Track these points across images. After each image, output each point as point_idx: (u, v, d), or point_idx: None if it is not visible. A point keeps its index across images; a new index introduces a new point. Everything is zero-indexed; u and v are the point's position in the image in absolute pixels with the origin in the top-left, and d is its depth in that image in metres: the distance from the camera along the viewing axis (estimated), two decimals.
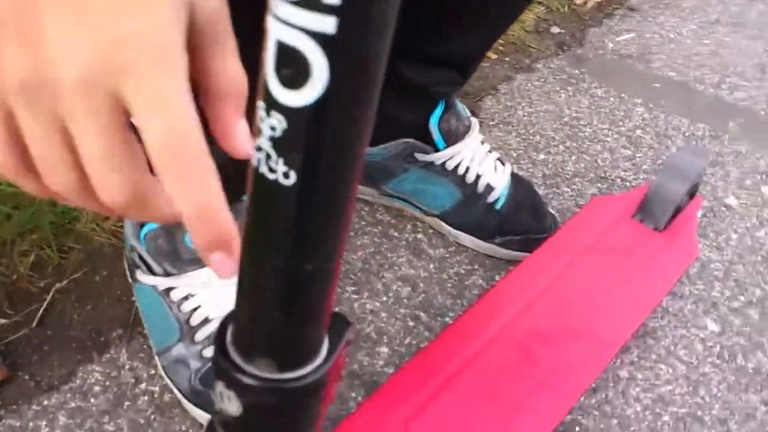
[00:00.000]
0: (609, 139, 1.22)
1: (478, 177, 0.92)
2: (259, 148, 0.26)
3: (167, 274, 0.69)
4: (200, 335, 0.68)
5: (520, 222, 0.93)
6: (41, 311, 0.80)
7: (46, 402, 0.72)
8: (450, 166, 0.91)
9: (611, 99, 1.33)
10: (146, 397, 0.73)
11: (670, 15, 1.66)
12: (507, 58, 1.42)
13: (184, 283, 0.68)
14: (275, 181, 0.26)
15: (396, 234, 0.97)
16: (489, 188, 0.92)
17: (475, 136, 0.92)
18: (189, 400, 0.68)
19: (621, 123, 1.26)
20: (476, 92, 1.29)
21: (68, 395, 0.72)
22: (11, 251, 0.85)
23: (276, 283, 0.29)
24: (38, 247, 0.86)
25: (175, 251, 0.68)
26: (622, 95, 1.34)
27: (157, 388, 0.74)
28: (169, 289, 0.69)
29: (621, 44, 1.52)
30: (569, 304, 0.79)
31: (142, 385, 0.74)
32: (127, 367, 0.75)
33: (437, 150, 0.90)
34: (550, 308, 0.78)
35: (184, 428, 0.71)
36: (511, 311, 0.77)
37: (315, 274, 0.29)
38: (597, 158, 1.16)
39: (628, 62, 1.46)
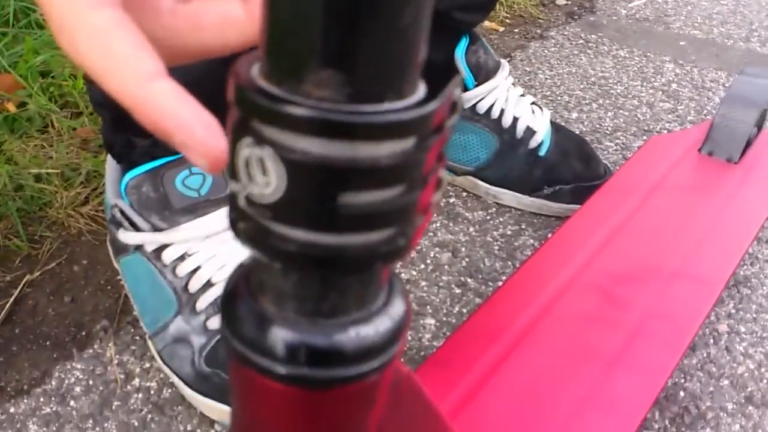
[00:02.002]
0: (644, 94, 1.09)
1: (515, 120, 0.79)
2: None
3: (156, 230, 0.55)
4: (202, 303, 0.54)
5: (569, 169, 0.79)
6: (7, 308, 0.65)
7: (12, 409, 0.56)
8: (482, 108, 0.78)
9: (636, 58, 1.21)
10: (140, 395, 0.58)
11: None
12: (516, 30, 1.31)
13: (177, 238, 0.54)
14: None
15: None
16: (529, 132, 0.79)
17: (506, 75, 0.80)
18: (193, 388, 0.53)
19: (653, 79, 1.14)
20: None
21: (41, 399, 0.57)
22: None
23: None
24: (4, 237, 0.72)
25: (164, 199, 0.54)
26: (648, 54, 1.23)
27: (153, 384, 0.59)
28: (159, 250, 0.55)
29: (634, 9, 1.42)
30: (652, 243, 0.65)
31: (135, 382, 0.59)
32: (115, 362, 0.60)
33: (466, 89, 0.77)
34: (629, 250, 0.64)
35: (189, 428, 0.55)
36: (582, 256, 0.63)
37: None
38: (636, 113, 1.04)
39: (645, 25, 1.35)
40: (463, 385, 0.51)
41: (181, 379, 0.54)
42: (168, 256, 0.55)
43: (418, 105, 0.18)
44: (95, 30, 0.21)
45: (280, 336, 0.20)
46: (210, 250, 0.54)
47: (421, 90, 0.19)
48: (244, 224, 0.19)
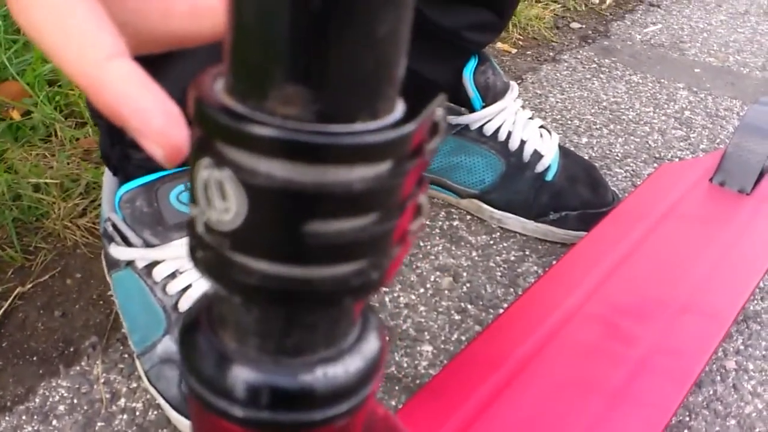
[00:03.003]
0: (656, 121, 1.08)
1: (522, 143, 0.77)
2: None
3: (148, 245, 0.53)
4: None
5: (576, 195, 0.77)
6: None
7: None
8: (489, 130, 0.76)
9: (650, 84, 1.19)
10: (125, 416, 0.56)
11: (695, 8, 1.55)
12: (528, 52, 1.30)
13: (169, 255, 0.52)
14: None
15: (428, 222, 0.81)
16: (537, 155, 0.77)
17: (515, 97, 0.78)
18: (179, 411, 0.51)
19: (666, 106, 1.12)
20: None
21: (23, 418, 0.55)
22: None
23: None
24: None
25: (158, 214, 0.53)
26: (662, 80, 1.21)
27: (139, 405, 0.57)
28: (151, 266, 0.53)
29: (649, 35, 1.40)
30: (659, 275, 0.63)
31: (121, 402, 0.57)
32: (101, 380, 0.59)
33: (473, 110, 0.75)
34: (635, 280, 0.62)
35: None
36: (587, 285, 0.61)
37: None
38: (647, 139, 1.02)
39: (660, 51, 1.33)
40: (458, 417, 0.49)
41: (167, 401, 0.53)
42: (159, 273, 0.53)
43: (394, 126, 0.16)
44: (53, 2, 0.19)
45: (239, 375, 0.19)
46: None
47: (399, 109, 0.17)
48: (202, 252, 0.18)
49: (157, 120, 0.19)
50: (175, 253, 0.52)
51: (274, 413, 0.19)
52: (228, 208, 0.16)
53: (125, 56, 0.20)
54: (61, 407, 0.56)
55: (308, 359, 0.19)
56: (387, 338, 0.21)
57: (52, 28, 0.20)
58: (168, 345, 0.53)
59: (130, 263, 0.55)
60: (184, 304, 0.52)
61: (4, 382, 0.59)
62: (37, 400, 0.57)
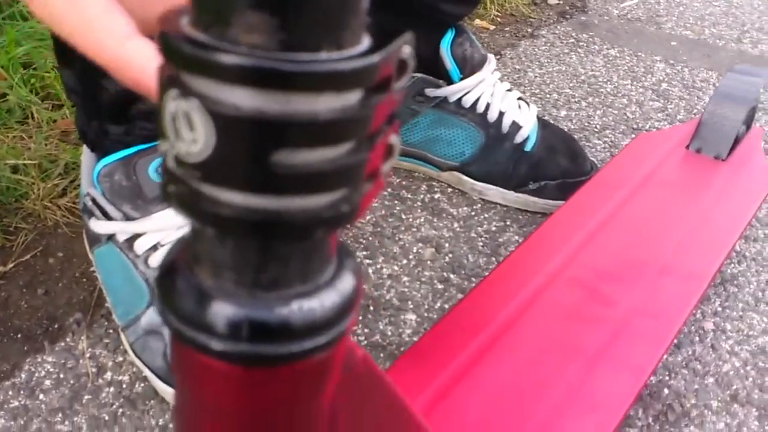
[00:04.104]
0: (634, 93, 1.09)
1: (501, 114, 0.78)
2: None
3: (128, 219, 0.53)
4: None
5: (555, 165, 0.78)
6: None
7: None
8: (467, 102, 0.77)
9: (627, 58, 1.20)
10: (111, 389, 0.56)
11: None
12: (507, 28, 1.30)
13: (149, 228, 0.52)
14: None
15: (409, 195, 0.82)
16: (515, 126, 0.78)
17: (493, 69, 0.79)
18: (165, 381, 0.52)
19: (643, 78, 1.13)
20: None
21: (9, 393, 0.56)
22: None
23: None
24: None
25: (137, 188, 0.53)
26: (639, 54, 1.22)
27: (126, 378, 0.57)
28: (132, 240, 0.54)
29: (626, 10, 1.41)
30: (637, 239, 0.64)
31: (107, 375, 0.57)
32: (87, 355, 0.59)
33: (451, 82, 0.76)
34: (614, 245, 0.63)
35: (162, 422, 0.54)
36: (567, 250, 0.62)
37: None
38: (625, 111, 1.03)
39: (637, 25, 1.34)
40: (440, 380, 0.50)
41: (153, 371, 0.53)
42: (140, 246, 0.53)
43: (359, 56, 0.17)
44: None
45: (217, 309, 0.19)
46: None
47: (365, 43, 0.18)
48: (174, 187, 0.18)
49: None
50: (155, 226, 0.53)
51: (251, 345, 0.19)
52: (196, 139, 0.16)
53: (139, 35, 0.23)
54: (48, 382, 0.57)
55: (284, 293, 0.19)
56: (363, 281, 0.22)
57: (72, 18, 0.23)
58: (152, 317, 0.53)
59: (111, 238, 0.55)
60: None
61: None
62: (23, 376, 0.57)
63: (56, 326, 0.62)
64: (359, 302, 0.21)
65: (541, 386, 0.50)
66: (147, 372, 0.54)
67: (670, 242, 0.64)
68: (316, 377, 0.21)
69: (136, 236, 0.53)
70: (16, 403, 0.55)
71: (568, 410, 0.48)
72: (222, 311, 0.19)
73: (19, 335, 0.61)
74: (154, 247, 0.53)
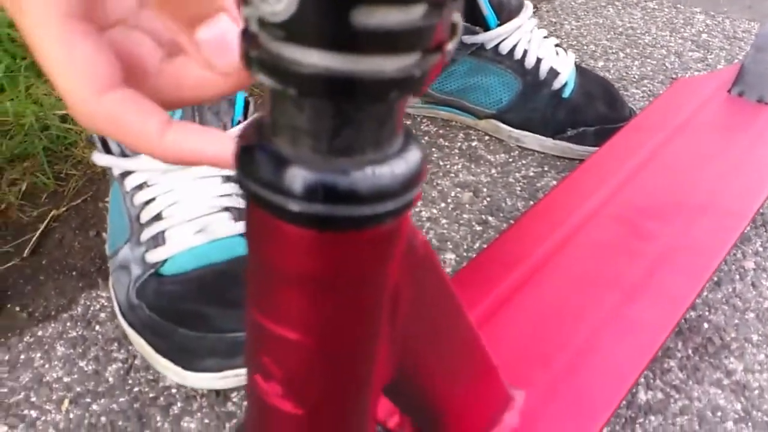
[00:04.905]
0: (673, 44, 1.07)
1: (538, 61, 0.77)
2: None
3: (124, 155, 0.55)
4: (146, 235, 0.54)
5: (593, 111, 0.78)
6: (35, 240, 0.66)
7: (40, 333, 0.57)
8: (504, 48, 0.77)
9: (666, 9, 1.18)
10: None
11: None
12: None
13: (140, 167, 0.54)
14: None
15: (446, 143, 0.82)
16: (553, 73, 0.78)
17: (530, 15, 0.78)
18: (124, 317, 0.54)
19: (683, 30, 1.12)
20: None
21: (68, 324, 0.58)
22: None
23: None
24: (31, 175, 0.73)
25: None
26: (678, 6, 1.20)
27: None
28: (124, 176, 0.55)
29: None
30: (677, 178, 0.64)
31: None
32: None
33: (488, 29, 0.76)
34: (654, 183, 0.63)
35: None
36: (605, 189, 0.62)
37: None
38: (664, 62, 1.02)
39: None
40: (482, 307, 0.51)
41: (119, 305, 0.55)
42: (129, 182, 0.55)
43: None
44: (107, 115, 0.24)
45: (295, 173, 0.20)
46: (168, 185, 0.54)
47: None
48: (256, 52, 0.19)
49: (211, 152, 0.25)
50: (144, 166, 0.54)
51: (325, 207, 0.20)
52: None
53: (171, 124, 0.24)
54: (102, 314, 0.59)
55: (357, 159, 0.21)
56: (427, 159, 0.23)
57: (114, 128, 0.24)
58: (126, 252, 0.54)
59: (111, 171, 0.57)
60: (144, 216, 0.54)
61: (47, 294, 0.61)
62: (79, 309, 0.60)
63: (108, 266, 0.64)
64: (425, 176, 0.22)
65: (579, 313, 0.51)
66: (114, 304, 0.56)
67: (711, 181, 0.64)
68: (384, 244, 0.22)
69: (128, 173, 0.55)
70: (74, 333, 0.57)
71: (607, 335, 0.49)
72: (299, 174, 0.20)
73: (74, 273, 0.64)
74: (140, 186, 0.54)
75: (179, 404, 0.52)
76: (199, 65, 0.25)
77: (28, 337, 0.57)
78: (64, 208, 0.70)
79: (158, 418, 0.51)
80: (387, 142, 0.21)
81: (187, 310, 0.52)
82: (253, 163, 0.21)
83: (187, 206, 0.54)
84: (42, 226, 0.68)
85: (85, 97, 0.23)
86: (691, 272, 0.55)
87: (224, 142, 0.24)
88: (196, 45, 0.25)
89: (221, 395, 0.53)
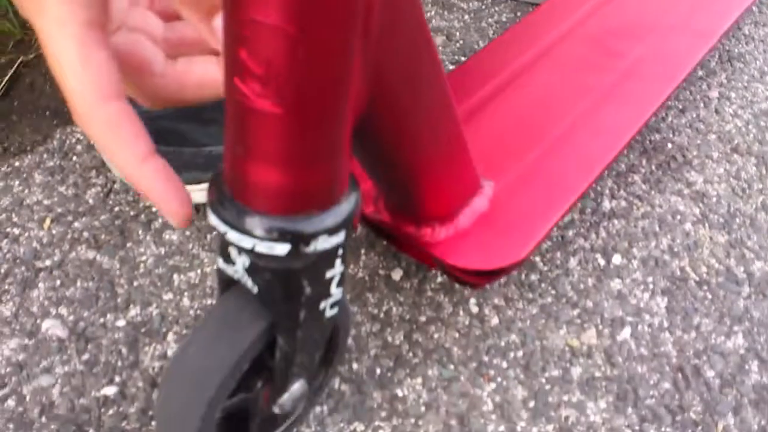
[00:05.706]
0: None
1: None
2: None
3: None
4: None
5: None
6: (4, 83, 0.66)
7: (17, 163, 0.58)
8: None
9: None
10: None
11: None
12: None
13: None
14: None
15: None
16: None
17: None
18: None
19: None
20: None
21: (44, 156, 0.59)
22: None
23: None
24: None
25: None
26: None
27: None
28: None
29: None
30: (650, 3, 0.65)
31: None
32: None
33: None
34: (627, 6, 0.64)
35: None
36: (580, 13, 0.63)
37: None
38: None
39: None
40: (463, 108, 0.52)
41: None
42: None
43: None
44: (106, 121, 0.25)
45: None
46: None
47: None
48: None
49: (174, 205, 0.27)
50: None
51: None
52: None
53: (154, 154, 0.26)
54: (79, 147, 0.60)
55: None
56: None
57: (107, 140, 0.26)
58: None
59: None
60: None
61: (22, 131, 0.61)
62: (55, 143, 0.60)
63: None
64: None
65: (551, 117, 0.53)
66: None
67: (682, 5, 0.64)
68: None
69: None
70: (52, 163, 0.58)
71: (577, 135, 0.51)
72: None
73: (47, 113, 0.64)
74: None
75: (160, 220, 0.54)
76: (215, 49, 0.27)
77: (5, 168, 0.58)
78: (32, 55, 0.69)
79: (140, 232, 0.53)
80: None
81: (163, 128, 0.52)
82: None
83: None
84: (11, 72, 0.67)
85: (92, 102, 0.25)
86: (657, 82, 0.56)
87: (185, 201, 0.28)
88: (214, 33, 0.27)
89: (201, 210, 0.54)
